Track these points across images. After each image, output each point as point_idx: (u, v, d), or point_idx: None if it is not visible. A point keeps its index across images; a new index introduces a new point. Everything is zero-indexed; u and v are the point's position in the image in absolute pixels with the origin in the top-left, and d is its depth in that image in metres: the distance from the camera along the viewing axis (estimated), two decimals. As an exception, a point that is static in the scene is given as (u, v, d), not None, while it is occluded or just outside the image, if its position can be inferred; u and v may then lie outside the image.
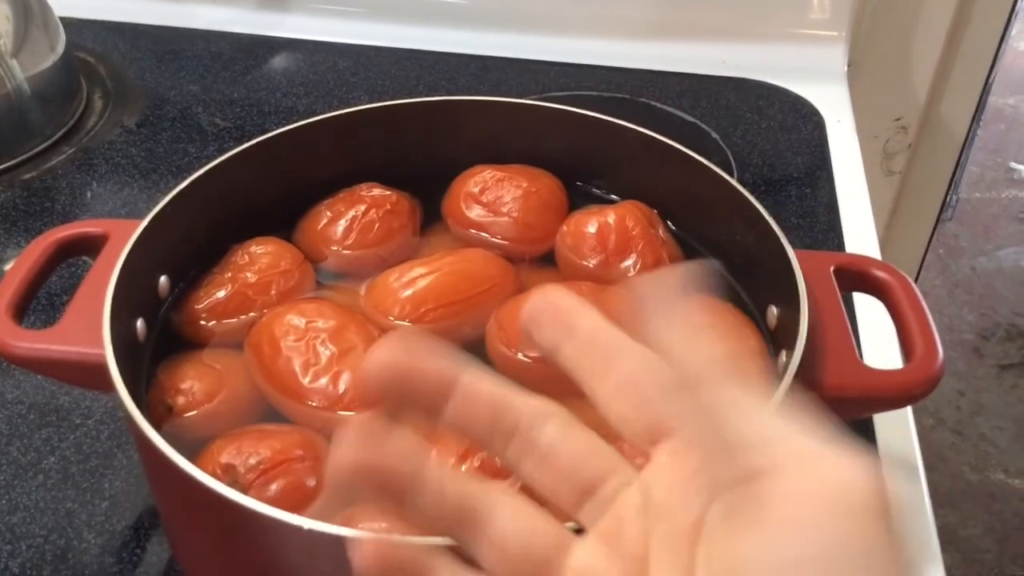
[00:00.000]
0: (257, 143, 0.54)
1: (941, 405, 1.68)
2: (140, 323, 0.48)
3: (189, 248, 0.52)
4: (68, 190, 0.76)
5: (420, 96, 0.67)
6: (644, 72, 0.91)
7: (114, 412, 0.57)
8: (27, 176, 0.78)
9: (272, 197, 0.56)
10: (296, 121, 0.56)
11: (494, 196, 0.57)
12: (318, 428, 0.46)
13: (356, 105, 0.58)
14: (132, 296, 0.46)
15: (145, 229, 0.48)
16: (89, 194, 0.77)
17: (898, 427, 0.58)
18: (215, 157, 0.53)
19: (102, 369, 0.42)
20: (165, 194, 0.50)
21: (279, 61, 0.94)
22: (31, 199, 0.75)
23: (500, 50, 0.93)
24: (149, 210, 0.49)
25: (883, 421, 0.58)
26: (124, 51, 0.93)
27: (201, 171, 0.52)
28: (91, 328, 0.43)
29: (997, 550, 1.47)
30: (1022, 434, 1.65)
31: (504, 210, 0.57)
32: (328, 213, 0.56)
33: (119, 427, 0.57)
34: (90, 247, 0.49)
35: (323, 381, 0.46)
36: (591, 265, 0.54)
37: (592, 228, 0.55)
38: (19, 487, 0.54)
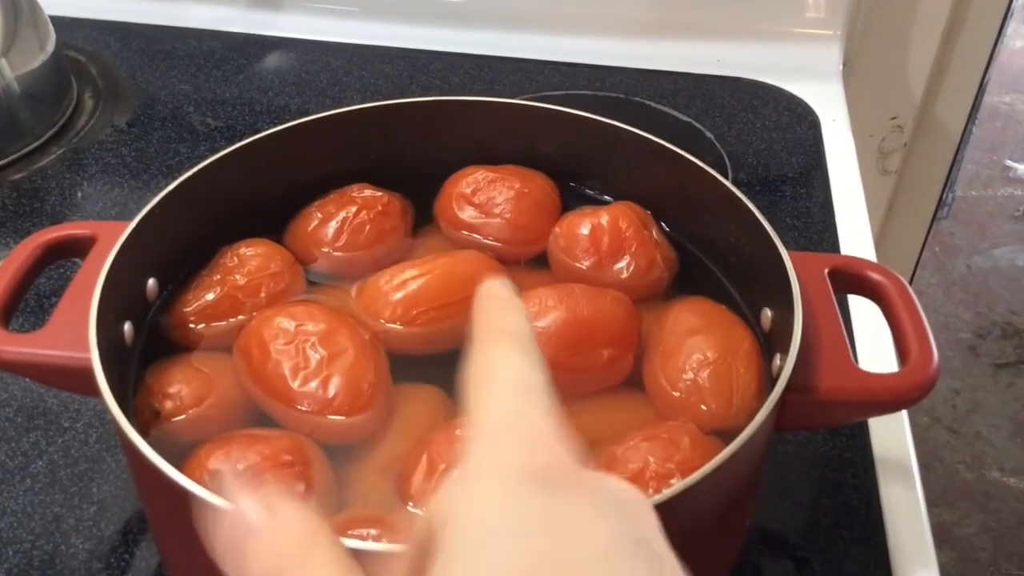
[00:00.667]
0: (247, 144, 0.54)
1: (937, 404, 1.68)
2: (128, 326, 0.47)
3: (178, 250, 0.51)
4: (58, 190, 0.76)
5: (413, 96, 0.67)
6: (638, 71, 0.91)
7: (102, 416, 0.57)
8: (16, 176, 0.77)
9: (262, 198, 0.56)
10: (288, 121, 0.56)
11: (486, 197, 0.57)
12: (307, 433, 0.45)
13: (348, 105, 0.57)
14: (120, 299, 0.45)
15: (133, 231, 0.47)
16: (79, 194, 0.76)
17: (893, 426, 0.58)
18: (206, 157, 0.52)
19: (89, 373, 0.41)
20: (156, 194, 0.49)
21: (271, 60, 0.93)
22: (20, 200, 0.75)
23: (494, 49, 0.93)
24: (139, 211, 0.48)
25: (878, 419, 0.58)
26: (115, 50, 0.93)
27: (190, 172, 0.51)
28: (78, 332, 0.42)
29: (992, 548, 1.47)
30: (1018, 432, 1.65)
31: (496, 211, 0.56)
32: (319, 214, 0.56)
33: (107, 431, 0.56)
34: (78, 249, 0.49)
35: (313, 385, 0.46)
36: (584, 267, 0.54)
37: (585, 229, 0.54)
38: (6, 492, 0.53)
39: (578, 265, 0.54)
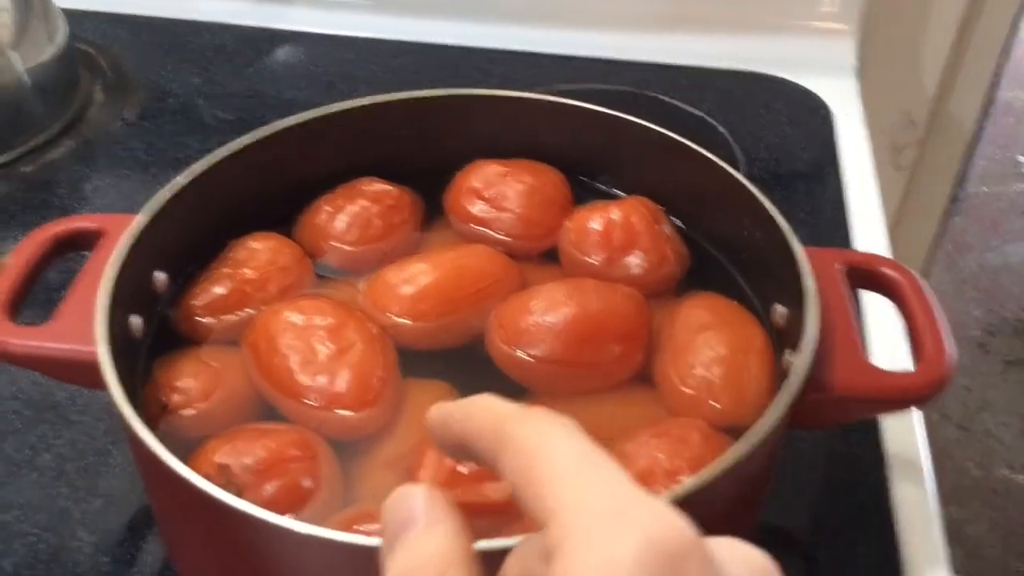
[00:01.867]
0: (255, 137, 0.53)
1: (947, 401, 1.67)
2: (136, 319, 0.47)
3: (186, 243, 0.51)
4: (68, 183, 0.76)
5: (423, 89, 0.66)
6: (650, 65, 0.90)
7: (110, 409, 0.56)
8: (26, 169, 0.77)
9: (271, 191, 0.55)
10: (297, 114, 0.55)
11: (496, 191, 0.56)
12: (315, 427, 0.45)
13: (358, 98, 0.57)
14: (128, 292, 0.45)
15: (141, 224, 0.47)
16: (89, 187, 0.76)
17: (904, 423, 0.57)
18: (216, 150, 0.52)
19: (96, 367, 0.41)
20: (165, 188, 0.49)
21: (281, 53, 0.93)
22: (30, 192, 0.75)
23: (505, 42, 0.92)
24: (148, 204, 0.48)
25: (889, 417, 0.57)
26: (125, 43, 0.92)
27: (199, 165, 0.51)
28: (85, 325, 0.42)
29: (1001, 547, 1.46)
30: (1029, 431, 1.64)
31: (506, 205, 0.56)
32: (328, 208, 0.55)
33: (115, 424, 0.56)
34: (86, 242, 0.48)
35: (321, 379, 0.46)
36: (595, 262, 0.53)
37: (596, 224, 0.54)
38: (12, 484, 0.53)
39: (589, 260, 0.53)
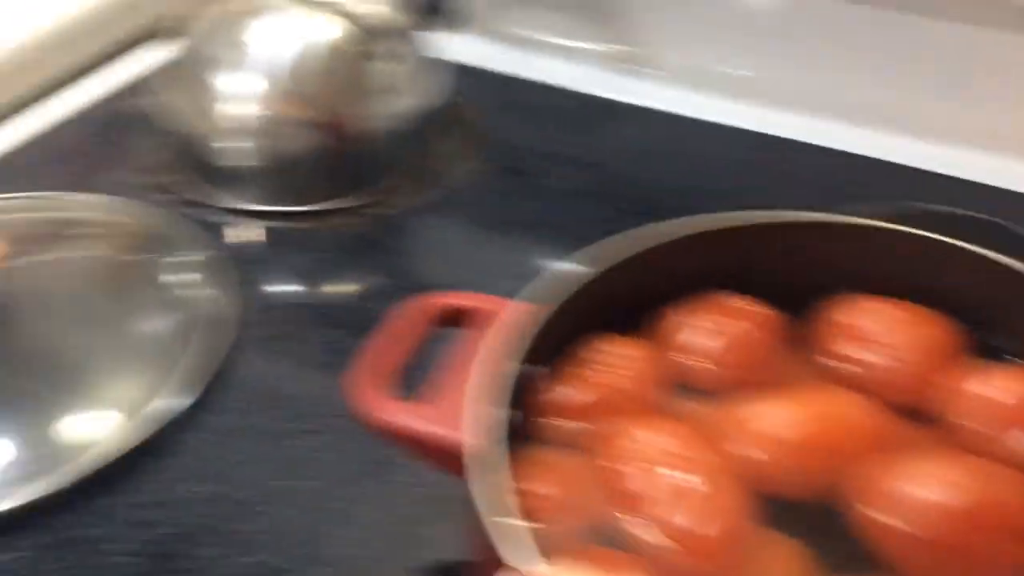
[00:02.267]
0: (664, 236, 0.52)
1: None
2: (502, 412, 0.46)
3: (553, 338, 0.49)
4: (414, 232, 0.78)
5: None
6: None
7: (432, 475, 0.56)
8: (378, 212, 0.80)
9: (622, 290, 0.52)
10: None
11: (875, 332, 0.51)
12: (659, 564, 0.42)
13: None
14: (502, 384, 0.44)
15: (530, 314, 0.46)
16: (433, 239, 0.78)
17: None
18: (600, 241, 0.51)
19: (459, 457, 0.40)
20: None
21: (644, 127, 0.92)
22: (379, 236, 0.77)
23: (887, 154, 0.86)
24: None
25: None
26: (488, 100, 0.95)
27: (591, 263, 0.49)
28: (458, 410, 0.42)
29: None
30: None
31: (885, 351, 0.51)
32: (686, 320, 0.52)
33: (433, 492, 0.55)
34: (460, 319, 0.48)
35: (669, 512, 0.43)
36: (986, 436, 0.47)
37: (991, 392, 0.48)
38: (326, 538, 0.53)
39: (979, 432, 0.47)
